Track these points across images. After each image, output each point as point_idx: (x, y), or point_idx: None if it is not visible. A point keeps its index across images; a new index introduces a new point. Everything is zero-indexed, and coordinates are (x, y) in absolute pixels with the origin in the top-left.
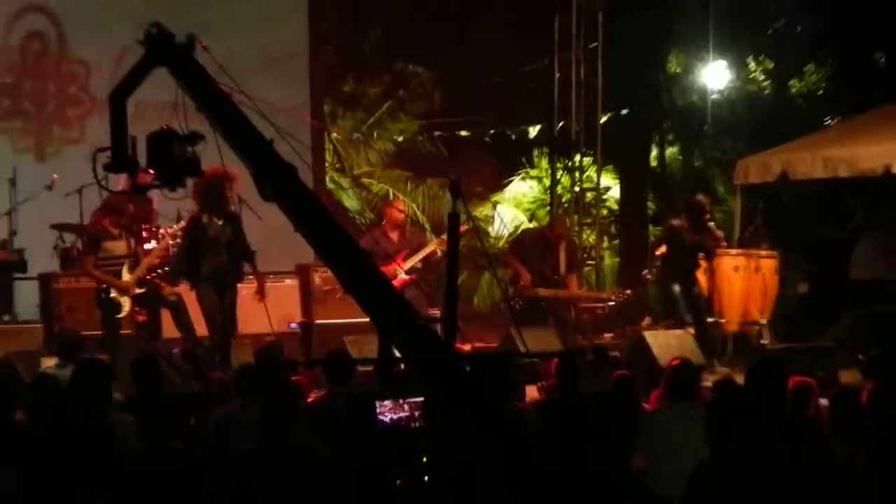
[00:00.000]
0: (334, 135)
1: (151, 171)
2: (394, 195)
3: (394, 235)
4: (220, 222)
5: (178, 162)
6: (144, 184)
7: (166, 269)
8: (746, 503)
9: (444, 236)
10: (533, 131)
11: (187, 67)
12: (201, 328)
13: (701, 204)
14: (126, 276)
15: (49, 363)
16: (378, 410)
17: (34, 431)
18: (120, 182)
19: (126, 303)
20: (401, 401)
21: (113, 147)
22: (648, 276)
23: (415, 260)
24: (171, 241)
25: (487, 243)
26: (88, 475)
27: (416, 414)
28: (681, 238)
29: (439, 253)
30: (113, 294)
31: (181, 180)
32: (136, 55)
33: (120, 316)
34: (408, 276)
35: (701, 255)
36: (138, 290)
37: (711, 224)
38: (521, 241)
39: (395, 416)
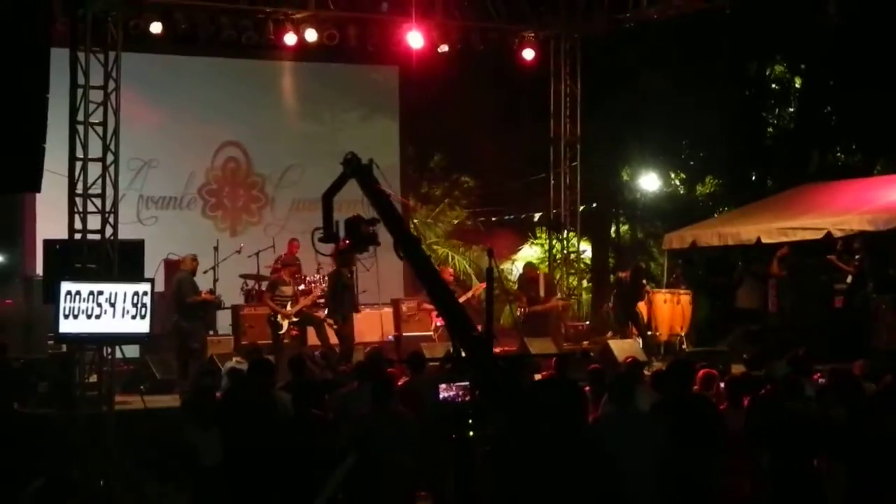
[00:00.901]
0: (414, 220)
1: (347, 242)
2: (448, 260)
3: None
4: (349, 275)
5: (364, 236)
6: (344, 248)
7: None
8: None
9: (482, 284)
10: (536, 216)
11: (367, 179)
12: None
13: (639, 266)
14: (289, 308)
15: (235, 361)
16: (439, 390)
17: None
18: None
19: (285, 324)
20: (454, 384)
21: (325, 227)
22: (609, 306)
23: (464, 298)
24: (318, 294)
25: (508, 284)
26: (260, 428)
27: (464, 393)
28: (624, 286)
29: (478, 293)
30: (278, 319)
31: (366, 247)
32: (295, 170)
33: (281, 332)
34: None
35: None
36: (294, 319)
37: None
38: (519, 282)
39: (450, 394)
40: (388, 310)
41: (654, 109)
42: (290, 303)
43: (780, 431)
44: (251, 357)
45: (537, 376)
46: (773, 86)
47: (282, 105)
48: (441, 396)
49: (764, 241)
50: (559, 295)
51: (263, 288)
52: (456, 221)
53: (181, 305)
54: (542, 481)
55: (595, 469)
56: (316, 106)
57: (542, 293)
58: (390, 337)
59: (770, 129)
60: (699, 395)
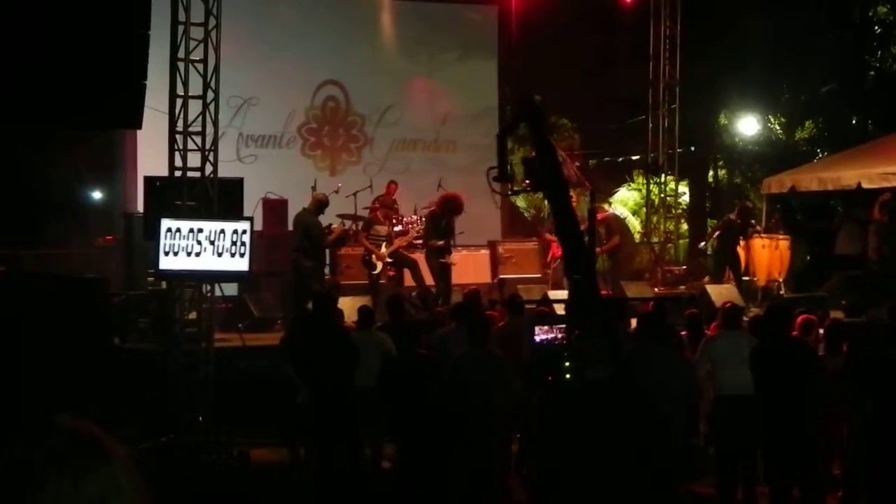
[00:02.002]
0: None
1: (527, 182)
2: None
3: None
4: (444, 223)
5: (536, 175)
6: (520, 188)
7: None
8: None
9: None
10: (634, 159)
11: (539, 122)
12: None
13: (746, 206)
14: (383, 249)
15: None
16: (536, 332)
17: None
18: (389, 192)
19: (379, 265)
20: (551, 326)
21: (499, 166)
22: (706, 248)
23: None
24: (414, 234)
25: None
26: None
27: (561, 335)
28: (732, 224)
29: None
30: (373, 259)
31: (539, 187)
32: (395, 111)
33: (375, 272)
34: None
35: (741, 237)
36: (389, 259)
37: (753, 220)
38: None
39: (547, 337)
40: (486, 252)
41: (755, 53)
42: (384, 243)
43: (883, 378)
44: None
45: (634, 321)
46: (876, 28)
47: (380, 44)
48: (538, 339)
49: (865, 186)
50: (617, 238)
51: (359, 228)
52: None
53: (307, 246)
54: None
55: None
56: (415, 45)
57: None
58: (497, 280)
59: (872, 73)
60: (798, 340)
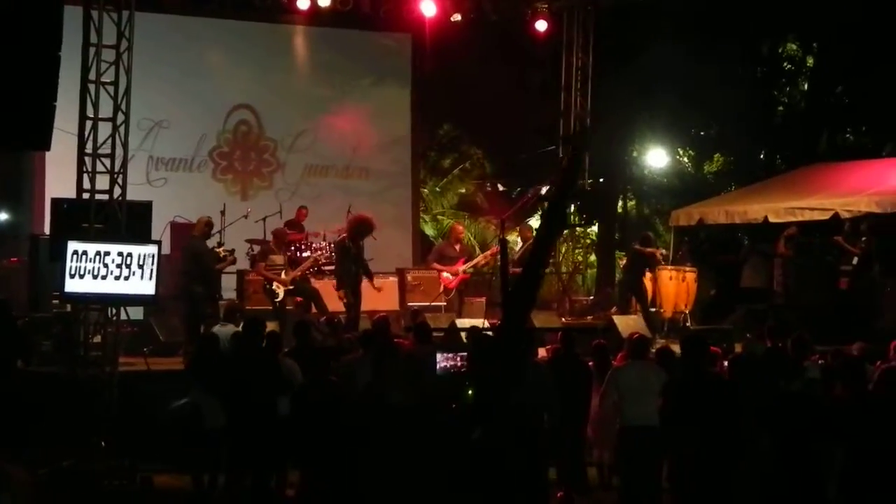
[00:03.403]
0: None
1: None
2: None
3: (457, 247)
4: (354, 250)
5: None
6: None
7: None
8: None
9: (488, 252)
10: (544, 190)
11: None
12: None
13: (647, 235)
14: (283, 275)
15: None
16: (439, 360)
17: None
18: (299, 217)
19: (281, 291)
20: (453, 354)
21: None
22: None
23: (470, 265)
24: (319, 259)
25: (511, 258)
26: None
27: (462, 363)
28: (639, 257)
29: (483, 262)
30: (273, 287)
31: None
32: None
33: (276, 300)
34: (465, 275)
35: (647, 268)
36: (290, 286)
37: (656, 248)
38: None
39: (449, 364)
40: (394, 279)
41: (665, 85)
42: (283, 271)
43: (780, 412)
44: (235, 316)
45: (542, 350)
46: (786, 64)
47: (294, 69)
48: (440, 366)
49: (771, 220)
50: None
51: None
52: (463, 191)
53: (197, 272)
54: None
55: None
56: (328, 71)
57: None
58: (407, 308)
59: (780, 108)
60: (715, 373)
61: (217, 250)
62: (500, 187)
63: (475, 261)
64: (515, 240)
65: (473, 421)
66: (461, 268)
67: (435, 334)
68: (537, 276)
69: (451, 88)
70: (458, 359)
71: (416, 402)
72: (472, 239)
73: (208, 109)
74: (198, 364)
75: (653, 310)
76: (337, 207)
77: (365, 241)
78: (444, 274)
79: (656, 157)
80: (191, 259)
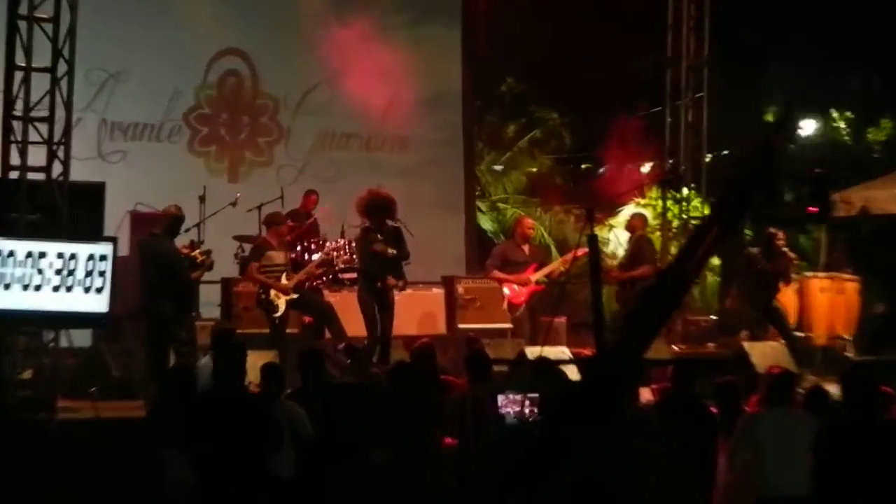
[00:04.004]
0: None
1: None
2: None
3: (524, 248)
4: (380, 237)
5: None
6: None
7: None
8: None
9: (568, 256)
10: (646, 167)
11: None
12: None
13: (770, 234)
14: (284, 280)
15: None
16: (500, 403)
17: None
18: (307, 204)
19: (281, 304)
20: (520, 395)
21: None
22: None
23: (543, 273)
24: (333, 255)
25: (604, 262)
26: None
27: (532, 408)
28: (755, 265)
29: (562, 269)
30: (271, 296)
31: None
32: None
33: (276, 315)
34: (538, 286)
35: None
36: (294, 295)
37: (784, 248)
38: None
39: (513, 410)
40: (438, 291)
41: (813, 22)
42: (284, 274)
43: None
44: (221, 339)
45: (646, 391)
46: None
47: (303, 4)
48: (504, 412)
49: None
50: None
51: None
52: (533, 170)
53: (164, 283)
54: None
55: None
56: (349, 4)
57: (623, 259)
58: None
59: None
60: (893, 423)
61: (190, 252)
62: (584, 165)
63: (551, 267)
64: (607, 237)
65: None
66: (533, 277)
67: (496, 368)
68: (682, 287)
69: (516, 28)
70: (528, 403)
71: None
72: (545, 236)
73: (183, 56)
74: (163, 411)
75: (799, 335)
76: (361, 192)
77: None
78: (508, 289)
79: (802, 122)
80: (152, 265)
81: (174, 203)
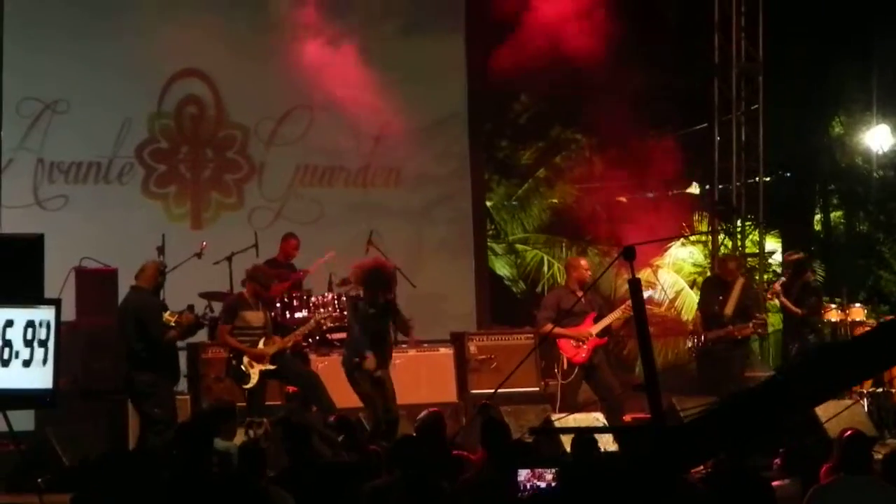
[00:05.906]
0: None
1: None
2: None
3: (579, 293)
4: (372, 311)
5: None
6: None
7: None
8: None
9: (628, 303)
10: (693, 191)
11: None
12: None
13: (798, 261)
14: (261, 345)
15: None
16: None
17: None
18: (287, 250)
19: (255, 373)
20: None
21: None
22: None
23: (605, 323)
24: (322, 319)
25: (649, 310)
26: None
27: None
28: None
29: (625, 317)
30: (243, 364)
31: None
32: (296, 121)
33: (247, 387)
34: (600, 339)
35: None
36: (270, 366)
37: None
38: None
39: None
40: (446, 351)
41: (887, 17)
42: (262, 338)
43: None
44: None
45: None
46: None
47: (275, 12)
48: (528, 488)
49: None
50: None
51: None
52: (557, 200)
53: (143, 347)
54: None
55: None
56: (331, 12)
57: (728, 308)
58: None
59: None
60: None
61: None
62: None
63: (614, 315)
64: (651, 279)
65: None
66: (592, 330)
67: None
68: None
69: (530, 38)
70: (554, 479)
71: None
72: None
73: (134, 78)
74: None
75: (878, 391)
76: (351, 236)
77: (401, 289)
78: (564, 346)
79: (878, 136)
80: (134, 327)
81: (154, 260)
